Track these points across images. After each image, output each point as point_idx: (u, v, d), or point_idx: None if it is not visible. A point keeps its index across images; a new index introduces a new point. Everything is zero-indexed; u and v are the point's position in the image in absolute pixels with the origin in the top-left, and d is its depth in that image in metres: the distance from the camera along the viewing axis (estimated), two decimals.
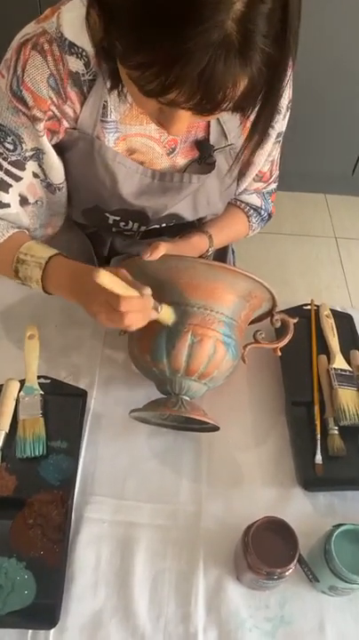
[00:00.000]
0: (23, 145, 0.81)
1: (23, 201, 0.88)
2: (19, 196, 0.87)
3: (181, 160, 0.90)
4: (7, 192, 0.86)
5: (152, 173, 0.88)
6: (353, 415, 0.89)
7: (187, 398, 0.83)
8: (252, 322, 0.92)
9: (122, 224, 0.96)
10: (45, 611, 0.70)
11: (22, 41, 0.74)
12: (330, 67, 2.13)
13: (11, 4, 1.93)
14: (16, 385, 0.89)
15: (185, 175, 0.89)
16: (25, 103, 0.75)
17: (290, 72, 0.85)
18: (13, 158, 0.82)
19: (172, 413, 0.80)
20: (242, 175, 0.98)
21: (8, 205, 0.87)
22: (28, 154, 0.82)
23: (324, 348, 1.00)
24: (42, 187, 0.88)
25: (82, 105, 0.79)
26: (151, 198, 0.91)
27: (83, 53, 0.74)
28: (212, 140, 0.89)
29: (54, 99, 0.76)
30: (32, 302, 1.02)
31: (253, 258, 1.71)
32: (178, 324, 0.79)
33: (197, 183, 0.90)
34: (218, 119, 0.87)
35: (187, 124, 0.67)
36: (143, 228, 0.99)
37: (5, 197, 0.86)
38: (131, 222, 0.96)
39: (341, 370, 0.95)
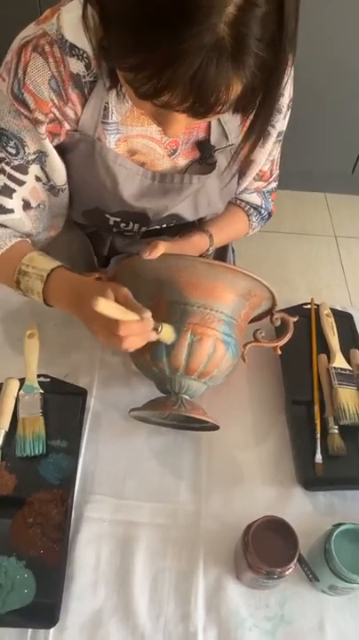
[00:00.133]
0: (26, 149, 0.80)
1: (26, 205, 0.88)
2: (23, 200, 0.87)
3: (182, 161, 0.90)
4: (11, 197, 0.85)
5: (152, 175, 0.88)
6: (353, 414, 0.89)
7: (187, 397, 0.83)
8: (252, 320, 0.92)
9: (122, 225, 0.96)
10: (45, 610, 0.70)
11: (23, 43, 0.73)
12: (330, 66, 2.13)
13: (11, 4, 1.93)
14: (16, 383, 0.89)
15: (185, 176, 0.89)
16: (27, 106, 0.75)
17: (290, 71, 0.85)
18: (16, 163, 0.82)
19: (172, 412, 0.80)
20: (242, 174, 0.98)
21: (12, 211, 0.87)
22: (31, 157, 0.82)
23: (324, 347, 1.00)
24: (44, 190, 0.88)
25: (83, 107, 0.78)
26: (152, 200, 0.90)
27: (84, 55, 0.73)
28: (213, 140, 0.88)
29: (55, 101, 0.76)
30: (32, 301, 1.01)
31: (253, 256, 1.71)
32: (177, 323, 0.79)
33: (198, 184, 0.90)
34: (219, 120, 0.86)
35: (185, 125, 0.67)
36: (144, 229, 0.99)
37: (9, 203, 0.86)
38: (131, 223, 0.96)
39: (341, 369, 0.95)
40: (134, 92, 0.61)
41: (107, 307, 0.65)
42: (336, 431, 0.89)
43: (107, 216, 0.94)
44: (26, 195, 0.86)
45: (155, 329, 0.74)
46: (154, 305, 0.82)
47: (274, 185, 1.08)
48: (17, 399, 0.88)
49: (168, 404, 0.80)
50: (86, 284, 0.80)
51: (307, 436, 0.89)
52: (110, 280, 0.91)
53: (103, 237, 1.08)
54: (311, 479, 0.84)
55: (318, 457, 0.86)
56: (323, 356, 0.99)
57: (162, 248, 0.80)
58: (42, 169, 0.84)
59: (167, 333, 0.78)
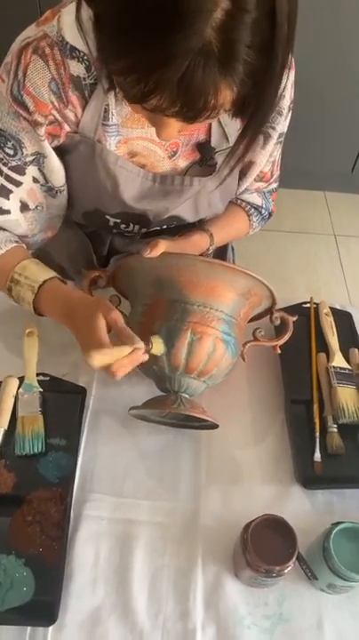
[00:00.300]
0: (24, 150, 0.80)
1: (24, 207, 0.87)
2: (20, 202, 0.86)
3: (183, 162, 0.90)
4: (8, 198, 0.85)
5: (153, 177, 0.88)
6: (352, 413, 0.89)
7: (187, 396, 0.83)
8: (252, 320, 0.92)
9: (122, 226, 0.96)
10: (44, 608, 0.70)
11: (23, 45, 0.73)
12: (330, 66, 2.13)
13: (11, 4, 1.93)
14: (15, 382, 0.89)
15: (186, 178, 0.89)
16: (26, 108, 0.75)
17: (289, 74, 0.85)
18: (14, 163, 0.81)
19: (172, 411, 0.80)
20: (243, 175, 0.98)
21: (8, 212, 0.86)
22: (29, 159, 0.81)
23: (324, 346, 1.00)
24: (42, 192, 0.87)
25: (83, 109, 0.78)
26: (152, 202, 0.90)
27: (85, 57, 0.73)
28: (214, 142, 0.88)
29: (55, 103, 0.76)
30: None
31: (253, 255, 1.71)
32: (177, 322, 0.79)
33: (198, 186, 0.90)
34: (219, 122, 0.86)
35: (178, 129, 0.67)
36: (144, 230, 0.99)
37: (6, 204, 0.85)
38: (131, 225, 0.96)
39: (340, 368, 0.96)
40: (124, 95, 0.61)
41: (101, 360, 0.68)
42: (335, 430, 0.89)
43: (108, 217, 0.94)
44: (23, 196, 0.86)
45: (147, 351, 0.74)
46: (153, 303, 0.82)
47: (274, 185, 1.08)
48: (16, 398, 0.88)
49: (167, 403, 0.80)
50: (77, 301, 0.80)
51: (306, 435, 0.89)
52: (110, 279, 0.91)
53: (103, 237, 1.08)
54: (310, 478, 0.85)
55: (317, 456, 0.86)
56: (323, 355, 0.99)
57: (162, 247, 0.80)
58: (39, 170, 0.84)
59: (157, 348, 0.78)
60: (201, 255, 0.96)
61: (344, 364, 0.97)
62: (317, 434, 0.88)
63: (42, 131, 0.78)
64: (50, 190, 0.88)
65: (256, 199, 1.06)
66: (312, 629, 0.72)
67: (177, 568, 0.76)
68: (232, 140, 0.88)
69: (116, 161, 0.84)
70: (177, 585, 0.74)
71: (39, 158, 0.82)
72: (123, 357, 0.70)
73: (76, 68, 0.74)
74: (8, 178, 0.83)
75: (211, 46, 0.52)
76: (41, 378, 0.91)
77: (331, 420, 0.90)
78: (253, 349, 0.91)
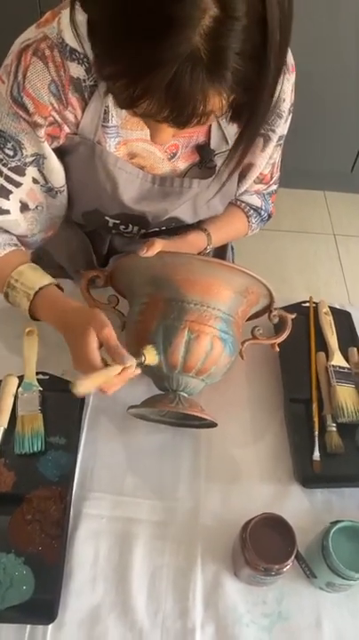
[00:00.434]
0: (23, 151, 0.80)
1: (24, 207, 0.88)
2: (20, 202, 0.87)
3: (182, 164, 0.90)
4: (7, 199, 0.85)
5: (152, 178, 0.88)
6: (351, 412, 0.89)
7: (185, 395, 0.83)
8: (250, 318, 0.93)
9: (122, 227, 0.96)
10: (44, 606, 0.70)
11: (23, 47, 0.73)
12: (330, 66, 2.13)
13: (11, 5, 1.93)
14: (15, 381, 0.89)
15: (185, 180, 0.89)
16: (26, 109, 0.75)
17: (290, 77, 0.85)
18: (13, 164, 0.81)
19: (170, 410, 0.80)
20: (242, 177, 0.98)
21: (8, 212, 0.87)
22: (28, 160, 0.81)
23: (323, 345, 1.00)
24: (41, 192, 0.87)
25: (83, 110, 0.78)
26: (151, 203, 0.90)
27: (85, 59, 0.73)
28: (213, 144, 0.88)
29: (55, 105, 0.76)
30: None
31: (252, 254, 1.71)
32: (174, 321, 0.79)
33: (197, 188, 0.90)
34: (219, 124, 0.86)
35: (172, 134, 0.67)
36: (143, 231, 0.99)
37: (5, 204, 0.86)
38: (131, 226, 0.96)
39: (340, 367, 0.96)
40: (115, 100, 0.61)
41: (87, 386, 0.68)
42: (334, 429, 0.89)
43: (107, 218, 0.94)
44: (23, 196, 0.86)
45: (140, 363, 0.75)
46: (151, 302, 0.83)
47: (274, 187, 1.08)
48: (16, 396, 0.88)
49: (166, 402, 0.80)
50: (71, 314, 0.81)
51: (305, 434, 0.89)
52: (108, 279, 0.91)
53: (102, 236, 1.09)
54: (309, 476, 0.85)
55: (316, 454, 0.87)
56: (322, 354, 0.99)
57: (158, 246, 0.80)
58: (39, 171, 0.84)
59: (151, 359, 0.78)
60: (199, 254, 0.96)
61: (343, 363, 0.97)
62: (316, 433, 0.89)
63: (41, 132, 0.78)
64: (50, 191, 0.88)
65: (255, 201, 1.06)
66: (311, 628, 0.72)
67: (176, 566, 0.76)
68: (231, 142, 0.88)
69: (116, 162, 0.84)
70: (176, 583, 0.75)
71: (39, 159, 0.82)
72: (116, 379, 0.72)
73: (76, 70, 0.74)
74: (8, 178, 0.83)
75: (199, 53, 0.52)
76: (40, 377, 0.91)
77: (331, 419, 0.90)
78: (253, 348, 0.91)
